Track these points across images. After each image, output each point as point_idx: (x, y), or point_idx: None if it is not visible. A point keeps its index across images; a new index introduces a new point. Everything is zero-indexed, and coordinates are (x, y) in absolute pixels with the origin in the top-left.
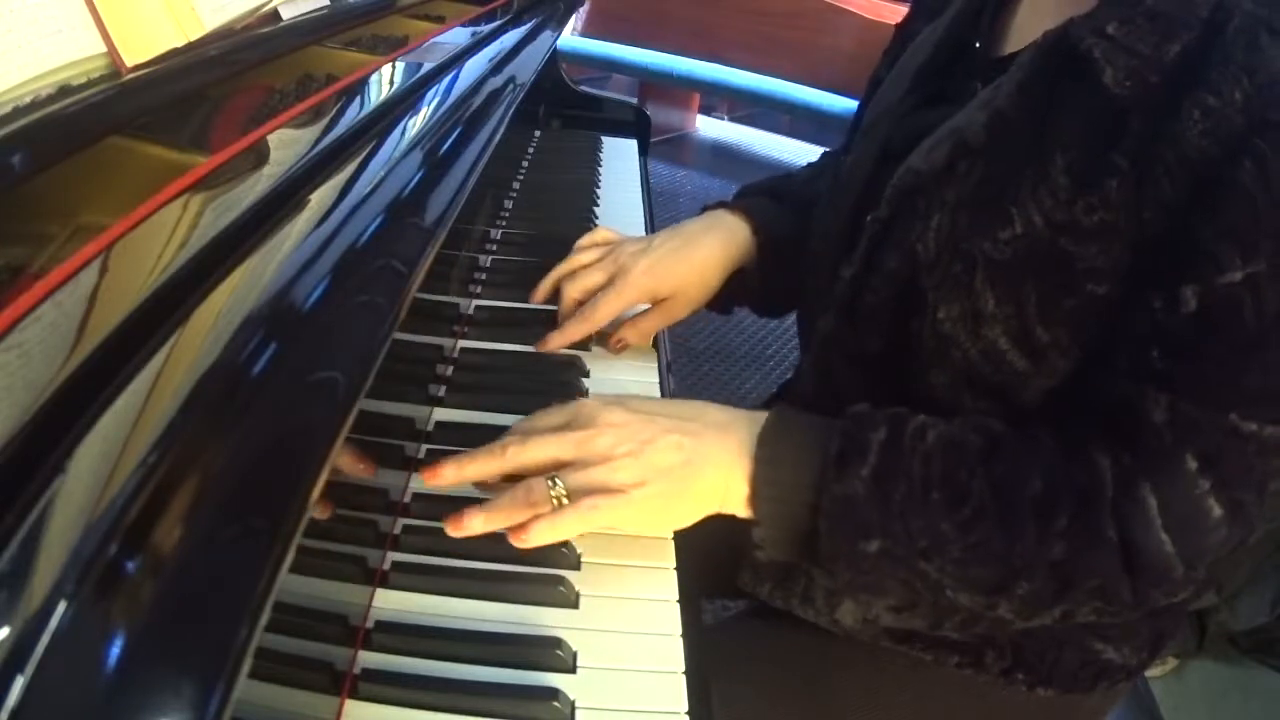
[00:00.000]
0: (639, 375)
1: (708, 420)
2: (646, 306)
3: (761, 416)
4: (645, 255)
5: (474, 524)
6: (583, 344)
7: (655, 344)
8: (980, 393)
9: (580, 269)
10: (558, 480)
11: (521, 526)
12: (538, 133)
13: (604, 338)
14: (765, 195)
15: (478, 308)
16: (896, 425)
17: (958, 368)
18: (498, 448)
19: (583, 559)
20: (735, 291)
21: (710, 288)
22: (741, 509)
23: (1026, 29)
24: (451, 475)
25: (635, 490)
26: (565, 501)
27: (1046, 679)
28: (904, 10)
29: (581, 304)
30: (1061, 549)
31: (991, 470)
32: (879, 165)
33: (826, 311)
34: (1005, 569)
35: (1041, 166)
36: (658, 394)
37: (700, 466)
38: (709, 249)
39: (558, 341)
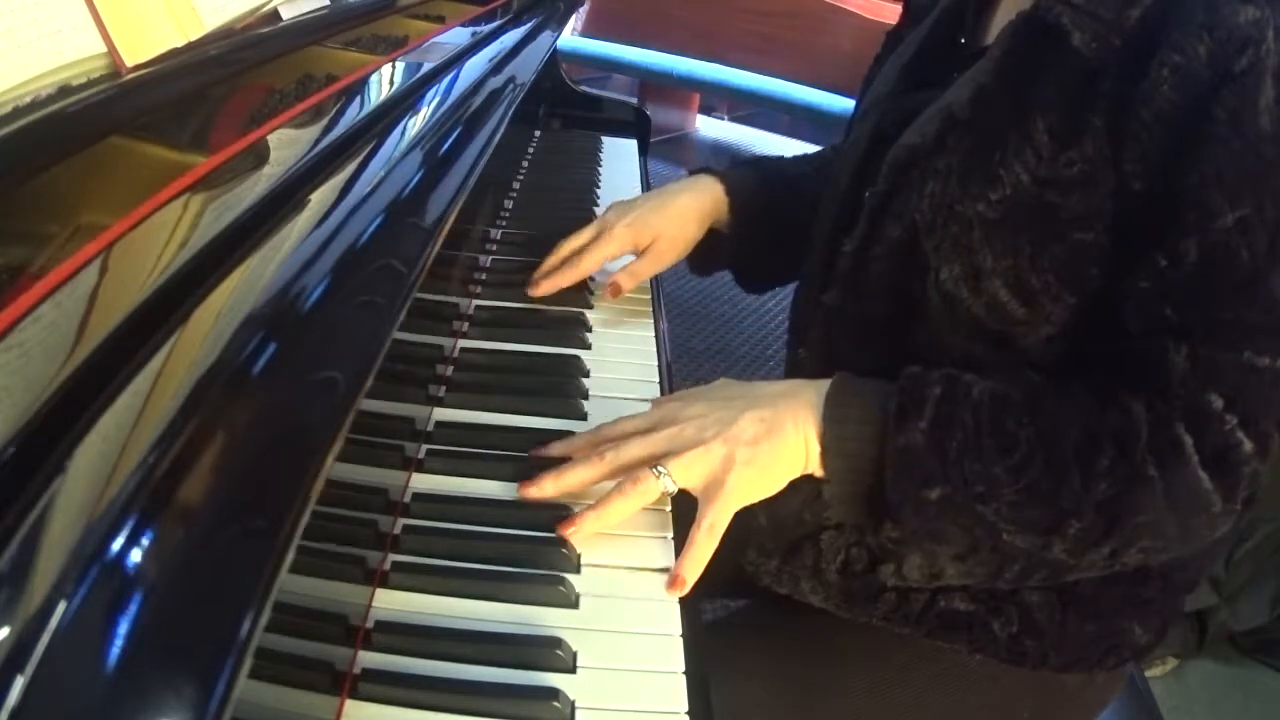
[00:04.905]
0: (639, 375)
1: (774, 392)
2: (632, 258)
3: (823, 383)
4: (627, 212)
5: (586, 526)
6: (583, 344)
7: (656, 343)
8: (984, 344)
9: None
10: (661, 468)
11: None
12: (538, 133)
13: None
14: (748, 168)
15: (478, 308)
16: (950, 382)
17: (961, 321)
18: (594, 456)
19: (582, 560)
20: (712, 254)
21: (690, 235)
22: (818, 468)
23: (1005, 22)
24: (552, 488)
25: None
26: (672, 484)
27: (1056, 646)
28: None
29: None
30: (1105, 488)
31: (1036, 419)
32: (872, 146)
33: (830, 287)
34: (1055, 509)
35: (1024, 131)
36: (658, 393)
37: (782, 433)
38: (685, 202)
39: (547, 287)
